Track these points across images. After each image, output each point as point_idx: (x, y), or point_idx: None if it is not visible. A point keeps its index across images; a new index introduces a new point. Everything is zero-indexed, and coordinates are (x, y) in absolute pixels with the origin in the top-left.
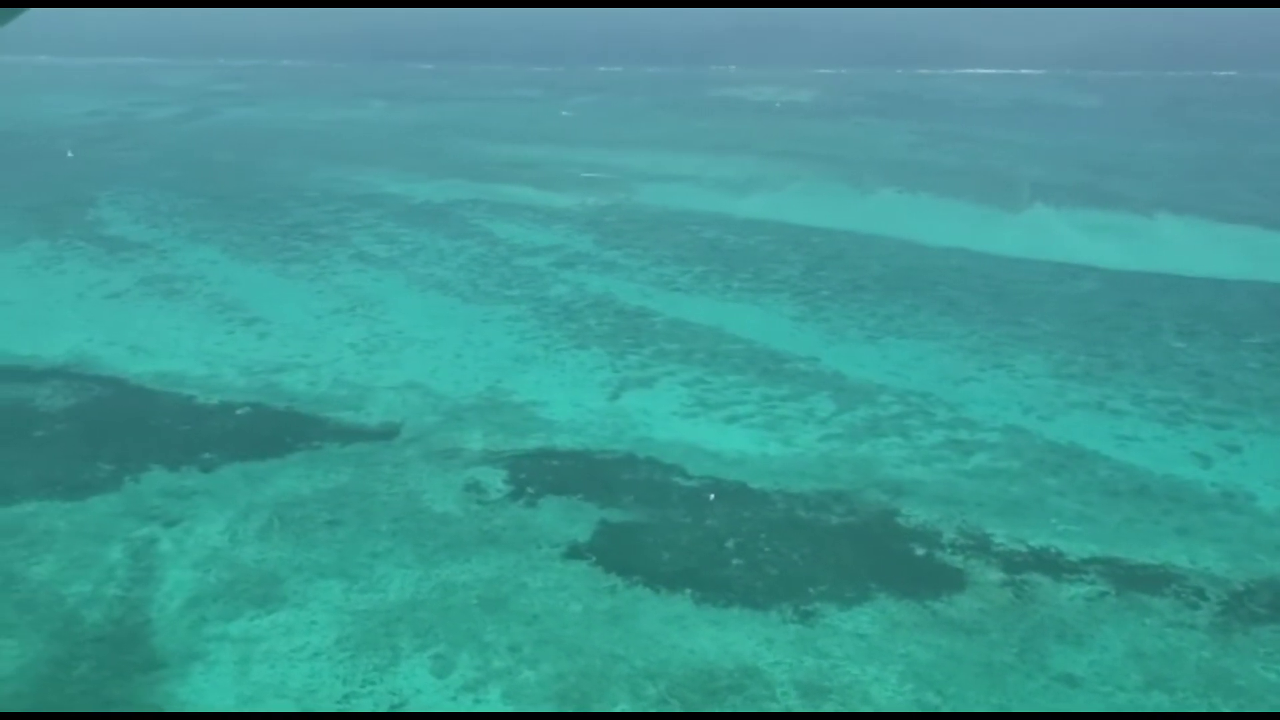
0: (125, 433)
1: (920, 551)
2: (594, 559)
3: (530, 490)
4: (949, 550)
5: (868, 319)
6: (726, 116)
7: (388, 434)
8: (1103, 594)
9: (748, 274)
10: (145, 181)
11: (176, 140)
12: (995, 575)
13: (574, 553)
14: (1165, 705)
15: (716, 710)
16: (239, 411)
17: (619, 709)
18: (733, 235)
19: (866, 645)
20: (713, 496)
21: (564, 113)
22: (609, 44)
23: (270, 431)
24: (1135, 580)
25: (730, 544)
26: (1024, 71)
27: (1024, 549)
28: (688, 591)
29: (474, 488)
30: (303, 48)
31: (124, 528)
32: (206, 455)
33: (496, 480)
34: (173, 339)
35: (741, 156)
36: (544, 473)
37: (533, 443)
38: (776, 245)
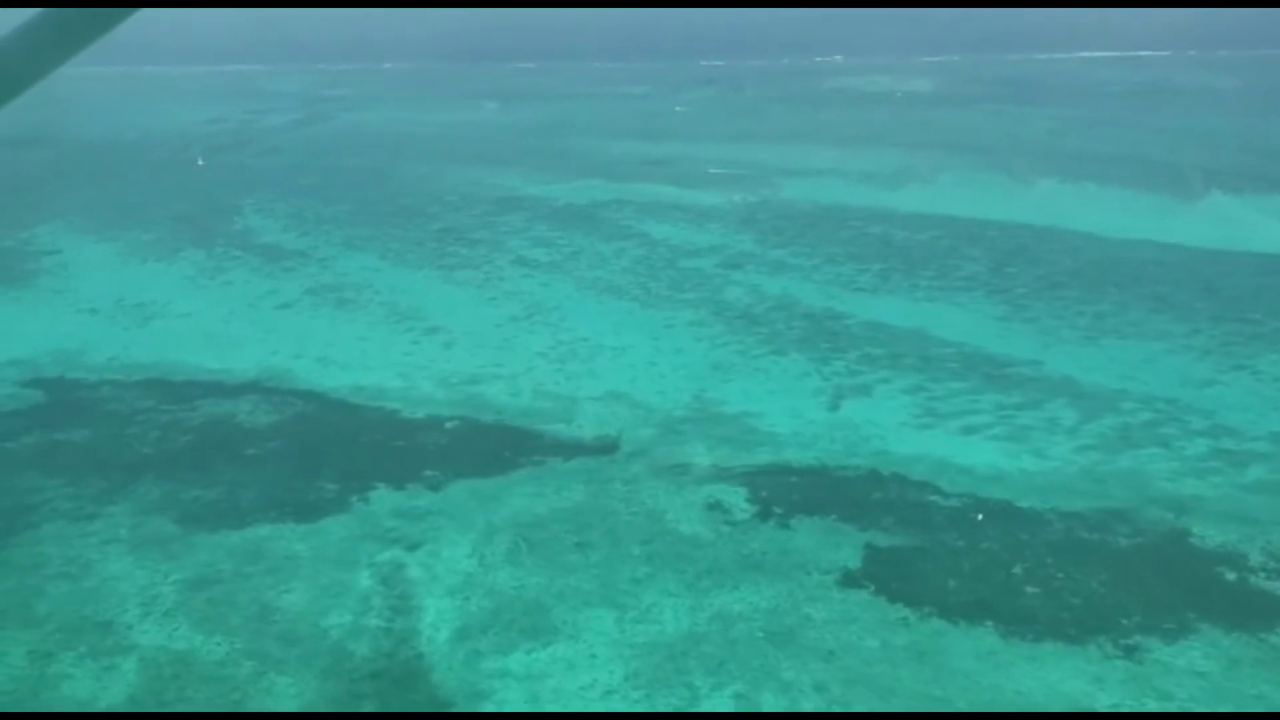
0: (339, 449)
1: (1230, 576)
2: (873, 588)
3: (777, 510)
4: (1262, 575)
5: (1077, 318)
6: (847, 108)
7: (607, 448)
8: None
9: (931, 271)
10: (283, 188)
11: (301, 145)
12: None
13: (849, 581)
14: None
15: None
16: (448, 425)
17: None
18: (900, 230)
19: (1210, 685)
20: (980, 517)
21: (678, 108)
22: (702, 38)
23: (486, 446)
24: None
25: (1018, 570)
26: (1145, 53)
27: None
28: (989, 624)
29: (716, 507)
30: (402, 50)
31: (366, 551)
32: (429, 472)
33: (738, 499)
34: (359, 350)
35: (878, 148)
36: (785, 491)
37: (762, 457)
38: (951, 240)
